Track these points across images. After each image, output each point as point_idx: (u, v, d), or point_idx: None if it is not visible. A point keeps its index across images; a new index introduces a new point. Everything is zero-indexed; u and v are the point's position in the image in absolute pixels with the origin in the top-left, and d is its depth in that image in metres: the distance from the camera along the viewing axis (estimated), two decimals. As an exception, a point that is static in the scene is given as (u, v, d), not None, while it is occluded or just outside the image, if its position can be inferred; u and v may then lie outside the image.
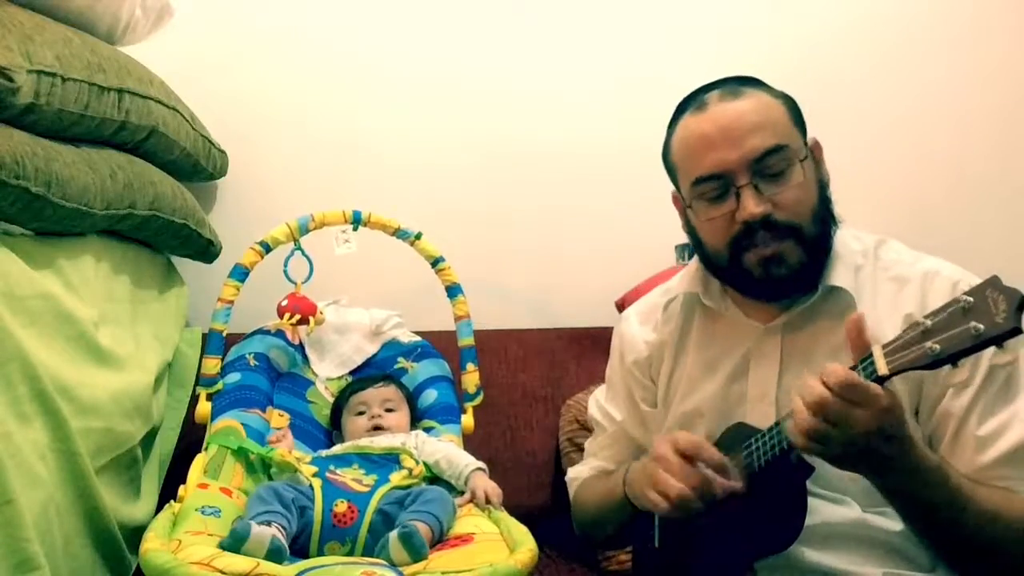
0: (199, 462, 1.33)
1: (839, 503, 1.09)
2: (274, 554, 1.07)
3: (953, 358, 0.83)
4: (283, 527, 1.14)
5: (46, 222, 1.20)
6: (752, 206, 1.07)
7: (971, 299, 0.83)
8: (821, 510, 1.08)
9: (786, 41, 2.02)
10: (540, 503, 1.74)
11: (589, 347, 1.86)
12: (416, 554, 1.11)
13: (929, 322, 0.86)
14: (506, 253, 1.95)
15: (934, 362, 0.84)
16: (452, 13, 1.97)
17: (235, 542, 1.06)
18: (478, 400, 1.60)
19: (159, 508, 1.32)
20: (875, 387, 0.88)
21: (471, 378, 1.60)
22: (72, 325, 1.19)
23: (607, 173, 1.96)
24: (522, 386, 1.83)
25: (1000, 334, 0.80)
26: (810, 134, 1.15)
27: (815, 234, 1.10)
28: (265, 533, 1.09)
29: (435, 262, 1.62)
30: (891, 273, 1.13)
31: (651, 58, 2.00)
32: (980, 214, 2.04)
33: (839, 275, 1.11)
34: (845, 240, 1.16)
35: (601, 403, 1.40)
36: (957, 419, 1.05)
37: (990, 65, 2.07)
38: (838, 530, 1.07)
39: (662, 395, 1.29)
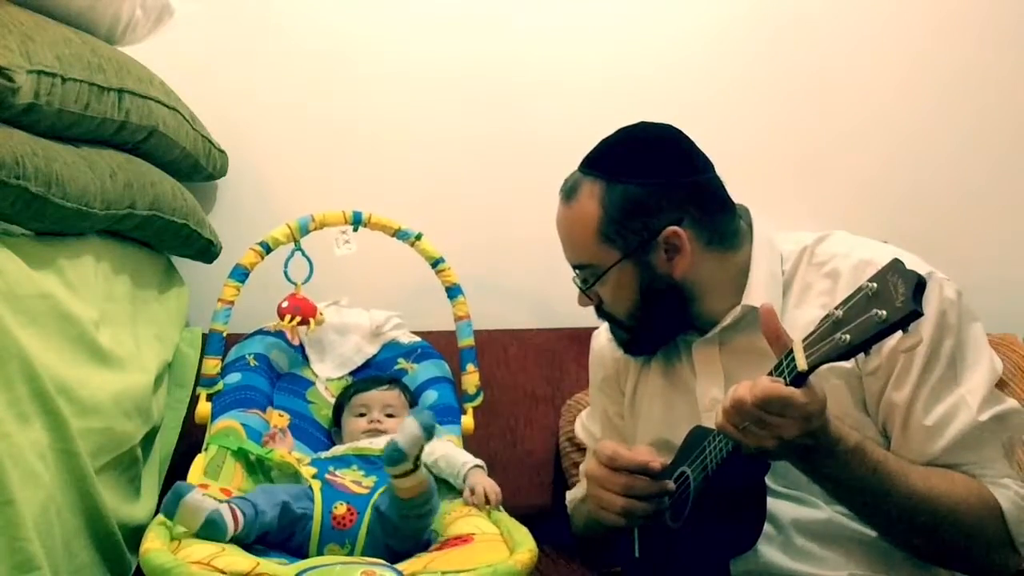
0: (199, 462, 1.33)
1: (805, 503, 1.09)
2: (208, 527, 1.08)
3: (863, 347, 0.84)
4: (244, 512, 1.14)
5: (46, 222, 1.20)
6: (578, 300, 1.24)
7: (875, 285, 0.83)
8: (789, 511, 1.08)
9: (787, 36, 2.01)
10: (540, 503, 1.74)
11: (589, 347, 1.85)
12: (426, 424, 1.13)
13: (840, 312, 0.86)
14: (507, 253, 1.95)
15: (846, 352, 0.85)
16: (451, 12, 1.96)
17: (169, 504, 1.09)
18: (478, 401, 1.60)
19: (159, 508, 1.31)
20: (797, 396, 0.89)
21: (471, 379, 1.60)
22: (72, 325, 1.19)
23: (607, 173, 1.96)
24: (522, 386, 1.82)
25: (901, 319, 0.79)
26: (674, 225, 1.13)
27: (636, 325, 1.20)
28: (204, 504, 1.09)
29: (435, 263, 1.62)
30: (826, 269, 1.13)
31: (653, 56, 1.99)
32: (986, 213, 2.04)
33: (755, 294, 1.13)
34: (779, 249, 1.17)
35: (584, 423, 1.45)
36: (903, 411, 1.05)
37: (996, 60, 2.07)
38: (810, 530, 1.08)
39: (627, 407, 1.32)
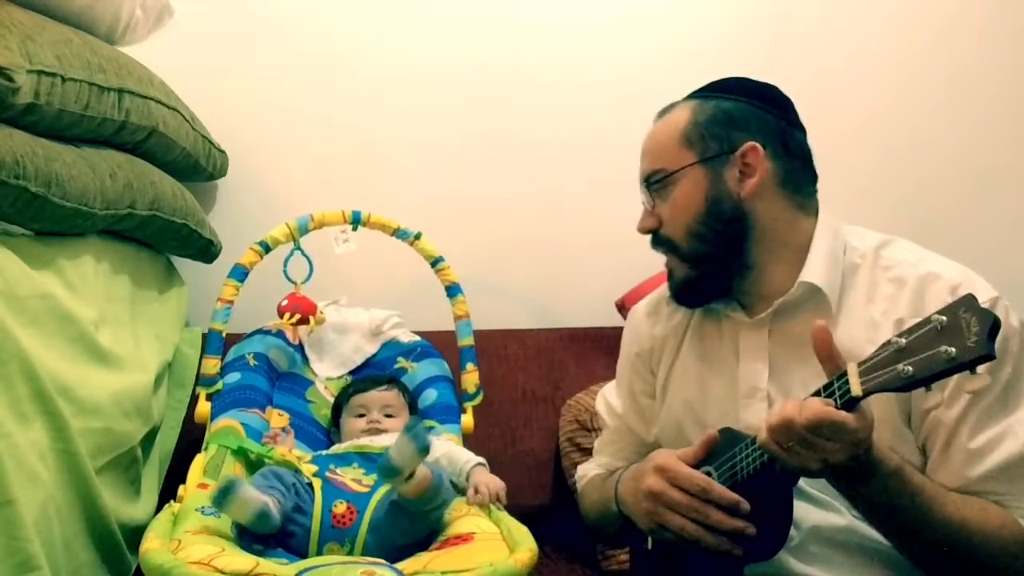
0: (199, 462, 1.34)
1: (827, 507, 1.08)
2: (260, 519, 1.10)
3: (925, 382, 0.81)
4: (279, 501, 1.16)
5: (46, 222, 1.20)
6: (639, 222, 1.20)
7: (944, 319, 0.80)
8: (809, 516, 1.07)
9: (787, 36, 2.02)
10: (540, 503, 1.74)
11: (589, 347, 1.86)
12: (421, 444, 1.12)
13: (903, 341, 0.83)
14: (506, 253, 1.95)
15: (906, 385, 0.82)
16: (452, 12, 1.97)
17: (222, 495, 1.09)
18: (478, 400, 1.60)
19: (159, 508, 1.32)
20: (849, 422, 0.87)
21: (471, 378, 1.60)
22: (72, 325, 1.19)
23: (608, 172, 1.96)
24: (522, 386, 1.83)
25: (971, 360, 0.77)
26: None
27: (693, 252, 1.16)
28: (255, 498, 1.11)
29: (435, 262, 1.62)
30: (891, 273, 1.11)
31: (653, 56, 1.99)
32: (985, 212, 2.04)
33: (816, 272, 1.11)
34: (845, 238, 1.16)
35: (607, 398, 1.41)
36: (948, 429, 1.02)
37: (996, 60, 2.07)
38: (827, 537, 1.07)
39: (660, 387, 1.29)
